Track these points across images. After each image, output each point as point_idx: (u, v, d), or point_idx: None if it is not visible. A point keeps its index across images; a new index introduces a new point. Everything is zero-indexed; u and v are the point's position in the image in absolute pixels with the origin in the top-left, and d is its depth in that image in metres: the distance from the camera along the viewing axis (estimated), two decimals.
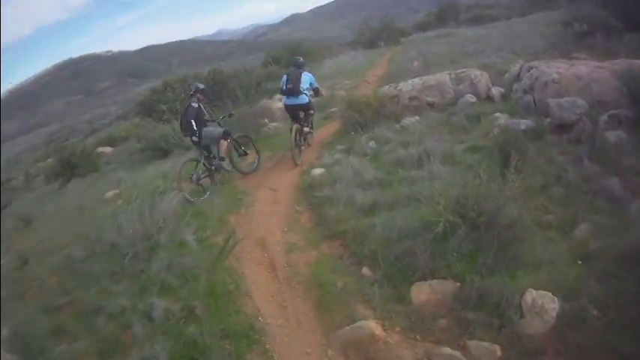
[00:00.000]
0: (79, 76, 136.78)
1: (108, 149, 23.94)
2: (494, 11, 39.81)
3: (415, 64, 19.60)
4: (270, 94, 20.51)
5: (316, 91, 12.00)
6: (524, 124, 9.97)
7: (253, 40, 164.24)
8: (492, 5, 43.43)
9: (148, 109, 23.09)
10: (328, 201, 8.63)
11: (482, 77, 13.50)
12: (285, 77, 11.64)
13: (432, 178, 8.20)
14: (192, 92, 10.80)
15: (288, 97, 11.60)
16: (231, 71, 24.26)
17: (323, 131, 14.06)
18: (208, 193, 10.27)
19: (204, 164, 10.55)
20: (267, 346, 5.53)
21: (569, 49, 15.82)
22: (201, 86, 10.99)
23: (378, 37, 34.73)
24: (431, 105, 13.37)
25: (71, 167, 18.17)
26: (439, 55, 20.57)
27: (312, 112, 12.13)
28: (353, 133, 12.51)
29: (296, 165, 11.34)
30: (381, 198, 8.12)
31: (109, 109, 66.30)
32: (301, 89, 11.35)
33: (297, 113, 11.76)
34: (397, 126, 12.14)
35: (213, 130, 10.81)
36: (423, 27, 43.01)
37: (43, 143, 54.64)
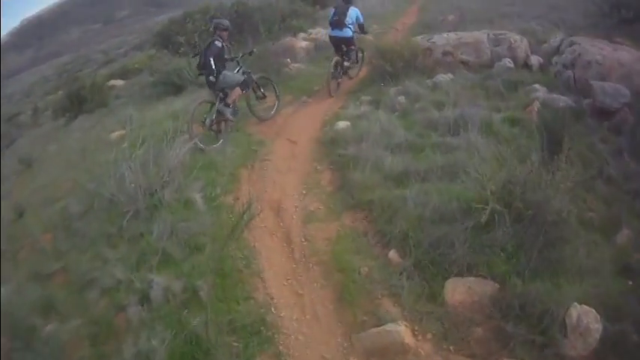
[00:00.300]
0: (99, 3, 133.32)
1: (120, 82, 22.66)
2: None
3: (450, 17, 18.45)
4: (295, 32, 19.41)
5: (361, 27, 12.06)
6: (563, 101, 9.35)
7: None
8: None
9: (165, 40, 21.49)
10: (353, 161, 7.81)
11: (521, 43, 12.59)
12: (332, 10, 11.85)
13: (469, 149, 7.57)
14: (215, 29, 9.84)
15: (332, 29, 11.78)
16: (255, 4, 23.02)
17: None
18: (221, 140, 9.47)
19: (217, 108, 9.67)
20: (281, 348, 4.83)
21: (609, 32, 14.81)
22: (227, 23, 9.99)
23: None
24: (465, 63, 12.51)
25: (79, 102, 17.21)
26: (475, 12, 19.25)
27: (353, 47, 12.13)
28: (382, 84, 11.72)
29: (331, 96, 11.60)
30: (413, 165, 7.28)
31: (126, 39, 63.71)
32: (346, 23, 11.47)
33: (340, 46, 11.90)
34: (429, 82, 11.33)
35: (232, 75, 9.88)
36: None
37: (56, 74, 52.60)
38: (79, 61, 56.69)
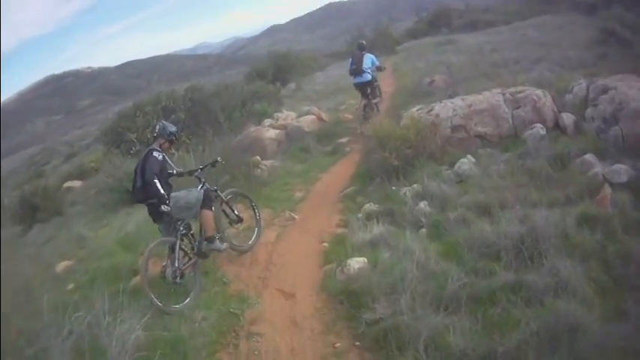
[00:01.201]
0: (60, 94, 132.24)
1: (77, 183, 21.26)
2: (489, 16, 36.37)
3: (437, 77, 15.91)
4: (259, 118, 16.65)
5: (379, 68, 13.72)
6: (625, 172, 7.02)
7: (233, 54, 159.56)
8: (486, 10, 39.91)
9: (116, 137, 18.81)
10: (392, 334, 4.76)
11: (546, 99, 9.88)
12: (350, 60, 13.39)
13: (565, 294, 4.63)
14: (157, 136, 7.13)
15: (354, 77, 13.16)
16: (212, 88, 20.36)
17: (333, 173, 10.77)
18: (190, 297, 6.41)
19: (181, 249, 6.73)
20: None
21: (621, 63, 12.44)
22: (171, 130, 7.20)
23: (372, 45, 30.98)
24: (482, 137, 9.84)
25: (33, 210, 16.07)
26: (462, 67, 16.90)
27: (375, 86, 13.69)
28: (392, 185, 8.79)
29: (360, 131, 12.72)
30: (493, 339, 4.31)
31: (88, 130, 62.94)
32: (364, 69, 12.88)
33: (364, 90, 13.27)
34: (449, 172, 8.57)
35: (186, 195, 7.01)
36: (413, 34, 39.31)
37: (24, 166, 51.24)
38: (45, 153, 57.50)
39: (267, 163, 11.98)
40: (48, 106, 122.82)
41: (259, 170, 11.31)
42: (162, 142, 7.05)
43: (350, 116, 14.87)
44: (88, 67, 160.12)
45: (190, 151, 12.20)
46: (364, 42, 14.20)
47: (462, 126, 9.96)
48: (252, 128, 14.81)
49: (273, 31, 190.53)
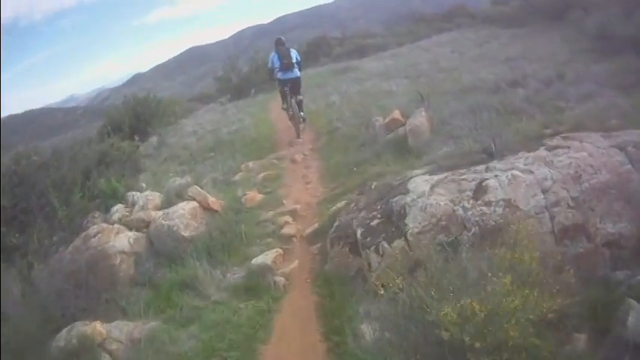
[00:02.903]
0: None
1: None
2: (375, 41, 31.37)
3: (398, 114, 9.68)
4: (106, 204, 9.63)
5: (299, 66, 11.82)
6: None
7: (99, 105, 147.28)
8: (369, 35, 34.92)
9: None
10: None
11: None
12: (275, 55, 11.50)
13: None
14: None
15: (284, 72, 11.39)
16: (47, 152, 13.07)
17: None
18: None
19: None
20: None
21: None
22: None
23: (247, 82, 24.63)
24: (613, 245, 3.94)
25: None
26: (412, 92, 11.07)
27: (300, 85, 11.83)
28: None
29: (298, 136, 11.59)
30: None
31: None
32: (293, 64, 11.38)
33: (296, 87, 11.59)
34: None
35: None
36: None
37: None
38: None
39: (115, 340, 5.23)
40: None
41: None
42: None
43: (259, 195, 8.44)
44: None
45: None
46: (283, 37, 12.18)
47: (579, 226, 3.89)
48: (93, 228, 7.92)
49: (137, 79, 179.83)
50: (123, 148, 15.24)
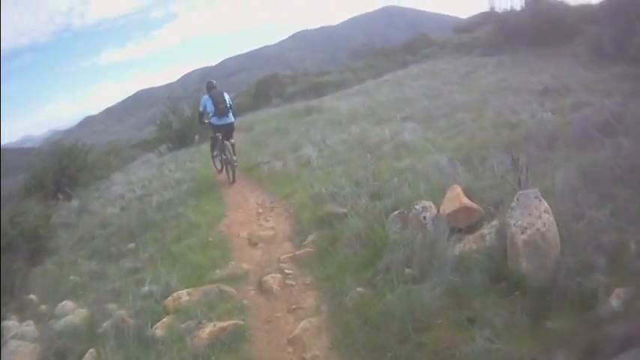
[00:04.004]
0: None
1: None
2: (331, 77, 26.96)
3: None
4: None
5: (233, 110, 10.49)
6: None
7: (50, 147, 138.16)
8: (324, 72, 30.32)
9: None
10: None
11: None
12: (209, 99, 10.11)
13: None
14: None
15: (219, 117, 10.03)
16: None
17: None
18: None
19: None
20: None
21: None
22: None
23: (190, 128, 19.43)
24: None
25: None
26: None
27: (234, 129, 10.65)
28: None
29: (233, 181, 9.98)
30: None
31: None
32: (229, 108, 10.10)
33: (230, 133, 10.27)
34: None
35: None
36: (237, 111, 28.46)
37: None
38: None
39: None
40: None
41: None
42: None
43: None
44: None
45: None
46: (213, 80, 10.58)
47: None
48: None
49: (88, 121, 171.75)
50: (24, 223, 10.58)
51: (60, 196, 15.32)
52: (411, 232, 4.59)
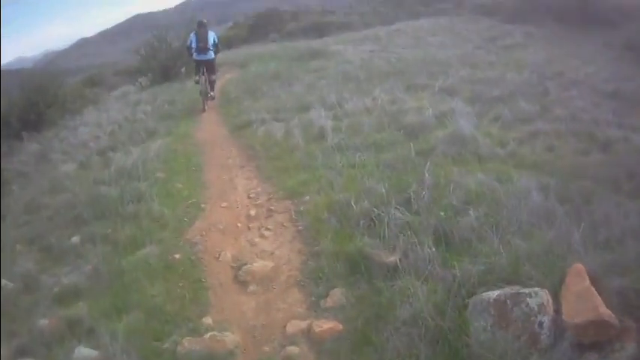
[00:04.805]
0: None
1: None
2: (335, 18, 24.02)
3: None
4: None
5: (216, 48, 11.43)
6: None
7: (44, 68, 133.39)
8: (328, 11, 27.10)
9: None
10: None
11: None
12: (194, 37, 11.17)
13: None
14: None
15: (199, 54, 11.11)
16: None
17: None
18: None
19: None
20: None
21: None
22: None
23: (175, 62, 16.72)
24: None
25: None
26: None
27: (215, 66, 11.56)
28: None
29: (204, 110, 10.81)
30: None
31: None
32: (209, 47, 11.06)
33: (209, 67, 11.20)
34: None
35: None
36: (229, 43, 25.27)
37: None
38: None
39: None
40: None
41: None
42: None
43: None
44: None
45: None
46: (205, 19, 11.54)
47: None
48: None
49: (82, 44, 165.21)
50: None
51: (24, 134, 13.07)
52: (512, 337, 2.49)
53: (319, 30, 22.19)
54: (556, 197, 3.70)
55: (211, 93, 11.30)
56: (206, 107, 10.90)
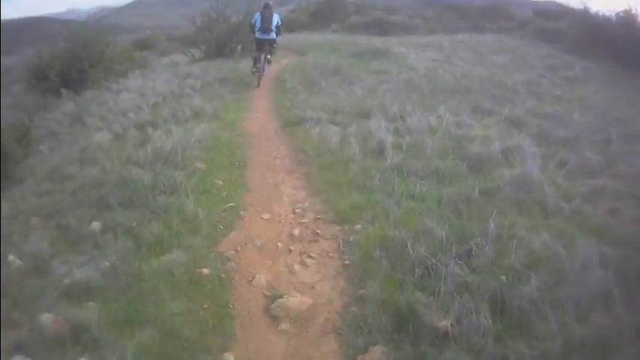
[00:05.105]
0: None
1: None
2: (399, 18, 23.28)
3: None
4: None
5: (279, 29, 11.87)
6: None
7: (96, 23, 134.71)
8: (394, 10, 26.30)
9: None
10: None
11: None
12: (259, 17, 11.62)
13: None
14: None
15: (262, 33, 11.60)
16: None
17: None
18: None
19: None
20: None
21: None
22: None
23: (232, 37, 16.31)
24: None
25: None
26: None
27: (275, 45, 12.04)
28: None
29: (257, 86, 11.45)
30: None
31: None
32: (272, 28, 11.47)
33: (270, 46, 11.76)
34: None
35: None
36: (290, 28, 24.84)
37: None
38: None
39: None
40: None
41: None
42: None
43: None
44: None
45: None
46: (271, 2, 11.44)
47: None
48: None
49: (138, 3, 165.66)
50: None
51: (63, 91, 12.77)
52: None
53: (382, 28, 21.56)
54: (614, 273, 3.27)
55: (265, 73, 11.79)
56: (260, 83, 11.46)
